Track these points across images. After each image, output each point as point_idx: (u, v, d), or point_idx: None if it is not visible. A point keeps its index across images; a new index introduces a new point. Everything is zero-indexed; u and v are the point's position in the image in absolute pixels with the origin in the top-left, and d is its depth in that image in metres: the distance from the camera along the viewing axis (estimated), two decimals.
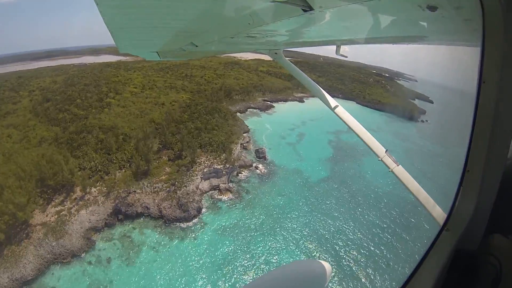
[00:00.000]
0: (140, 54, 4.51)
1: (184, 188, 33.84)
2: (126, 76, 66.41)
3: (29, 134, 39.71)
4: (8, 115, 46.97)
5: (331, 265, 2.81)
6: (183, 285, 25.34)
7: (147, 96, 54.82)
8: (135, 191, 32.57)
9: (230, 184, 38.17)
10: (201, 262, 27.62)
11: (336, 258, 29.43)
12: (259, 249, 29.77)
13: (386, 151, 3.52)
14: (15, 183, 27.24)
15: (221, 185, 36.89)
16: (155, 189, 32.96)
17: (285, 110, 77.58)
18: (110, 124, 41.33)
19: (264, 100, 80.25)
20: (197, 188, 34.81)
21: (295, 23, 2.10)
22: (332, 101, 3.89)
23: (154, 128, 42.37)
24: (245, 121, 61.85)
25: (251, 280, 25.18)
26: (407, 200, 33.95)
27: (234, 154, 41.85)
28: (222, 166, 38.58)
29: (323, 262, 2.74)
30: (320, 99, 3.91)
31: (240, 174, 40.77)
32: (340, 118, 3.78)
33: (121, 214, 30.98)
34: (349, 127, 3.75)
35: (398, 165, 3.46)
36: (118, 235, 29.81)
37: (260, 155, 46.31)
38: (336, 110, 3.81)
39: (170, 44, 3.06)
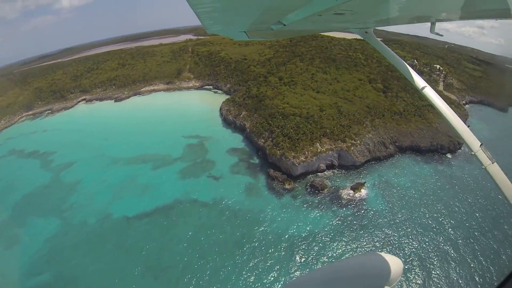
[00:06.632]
0: (228, 35, 4.44)
1: None
2: None
3: None
4: None
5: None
6: None
7: None
8: None
9: None
10: None
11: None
12: None
13: (481, 145, 3.11)
14: None
15: None
16: None
17: None
18: None
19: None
20: None
21: None
22: (421, 82, 3.68)
23: None
24: None
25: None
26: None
27: None
28: None
29: (394, 258, 2.61)
30: (409, 80, 3.78)
31: None
32: (429, 100, 3.52)
33: None
34: (439, 111, 3.41)
35: (493, 163, 3.03)
36: None
37: None
38: (424, 90, 3.58)
39: (258, 23, 3.07)
